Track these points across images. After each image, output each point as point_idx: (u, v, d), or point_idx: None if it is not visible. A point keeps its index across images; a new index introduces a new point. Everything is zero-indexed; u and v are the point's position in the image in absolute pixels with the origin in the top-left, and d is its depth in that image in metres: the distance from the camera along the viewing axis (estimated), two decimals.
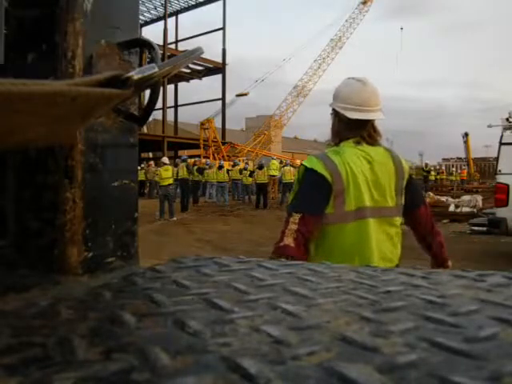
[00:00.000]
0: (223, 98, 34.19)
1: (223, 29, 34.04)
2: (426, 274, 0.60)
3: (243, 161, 22.45)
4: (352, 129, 1.73)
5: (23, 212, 0.63)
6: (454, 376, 0.30)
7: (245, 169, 18.42)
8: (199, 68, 35.18)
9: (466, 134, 39.23)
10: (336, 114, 1.79)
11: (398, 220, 1.78)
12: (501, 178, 6.60)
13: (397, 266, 1.74)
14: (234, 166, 19.57)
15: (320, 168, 1.64)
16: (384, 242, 1.72)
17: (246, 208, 15.64)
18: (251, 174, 17.19)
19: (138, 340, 0.38)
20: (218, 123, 32.07)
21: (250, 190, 18.19)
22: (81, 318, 0.44)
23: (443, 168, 36.82)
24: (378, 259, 1.67)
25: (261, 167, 16.49)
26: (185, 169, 14.87)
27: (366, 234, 1.68)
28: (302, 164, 1.76)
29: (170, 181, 12.22)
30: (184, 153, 28.40)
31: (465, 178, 31.98)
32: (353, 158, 1.69)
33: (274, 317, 0.43)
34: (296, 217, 1.60)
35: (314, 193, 1.67)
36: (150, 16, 37.51)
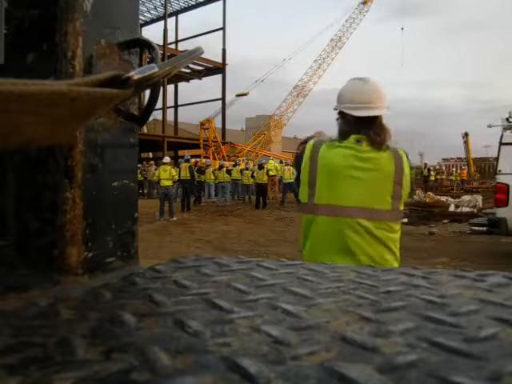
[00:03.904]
0: (223, 98, 34.18)
1: (223, 29, 34.02)
2: (426, 274, 0.60)
3: (243, 161, 22.45)
4: (360, 128, 1.72)
5: (23, 212, 0.63)
6: (454, 376, 0.30)
7: (246, 169, 18.40)
8: (199, 68, 35.17)
9: (466, 134, 39.19)
10: (342, 116, 1.79)
11: (394, 225, 1.73)
12: (501, 178, 6.59)
13: None
14: (234, 166, 19.55)
15: (309, 145, 1.80)
16: (372, 244, 1.68)
17: (246, 208, 15.64)
18: (253, 175, 17.17)
19: (137, 340, 0.38)
20: (218, 123, 32.09)
21: (250, 190, 18.17)
22: (81, 318, 0.44)
23: (443, 168, 36.78)
24: (356, 260, 1.65)
25: (260, 167, 16.49)
26: (188, 170, 14.80)
27: (340, 231, 1.67)
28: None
29: (170, 182, 12.17)
30: (184, 153, 28.39)
31: (465, 178, 31.94)
32: (339, 155, 1.71)
33: (274, 317, 0.43)
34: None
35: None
36: (150, 16, 37.49)
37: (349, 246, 1.67)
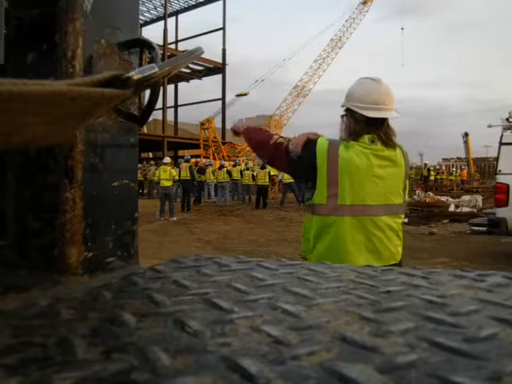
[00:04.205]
0: (223, 98, 34.20)
1: (223, 29, 34.04)
2: (426, 274, 0.60)
3: (243, 161, 22.44)
4: (370, 128, 1.74)
5: (23, 212, 0.63)
6: (454, 376, 0.30)
7: (247, 169, 18.36)
8: (199, 68, 35.18)
9: (466, 134, 39.15)
10: (351, 114, 1.79)
11: (402, 216, 1.82)
12: (501, 178, 6.60)
13: (400, 262, 1.77)
14: (234, 166, 19.54)
15: (322, 144, 1.71)
16: (391, 238, 1.74)
17: (246, 208, 15.63)
18: (253, 177, 17.11)
19: (137, 340, 0.38)
20: (218, 123, 32.08)
21: (250, 190, 18.16)
22: (81, 318, 0.44)
23: (443, 168, 36.78)
24: (380, 258, 1.69)
25: (263, 167, 16.47)
26: (188, 170, 14.75)
27: (367, 231, 1.70)
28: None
29: (170, 183, 12.15)
30: (184, 153, 28.39)
31: (465, 178, 31.90)
32: (360, 155, 1.71)
33: (274, 317, 0.43)
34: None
35: (304, 149, 1.74)
36: (150, 16, 37.52)
37: (375, 244, 1.71)
